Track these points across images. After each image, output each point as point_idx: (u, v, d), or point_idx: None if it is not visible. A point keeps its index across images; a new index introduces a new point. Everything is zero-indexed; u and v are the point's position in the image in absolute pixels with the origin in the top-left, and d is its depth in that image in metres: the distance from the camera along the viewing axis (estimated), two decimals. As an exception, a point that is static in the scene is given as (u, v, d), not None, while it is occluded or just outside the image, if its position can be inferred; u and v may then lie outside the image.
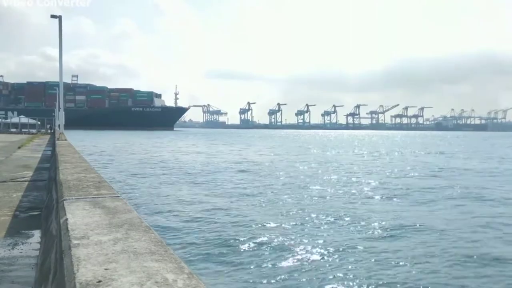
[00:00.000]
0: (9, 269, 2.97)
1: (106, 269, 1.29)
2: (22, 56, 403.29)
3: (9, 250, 3.39)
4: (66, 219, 2.03)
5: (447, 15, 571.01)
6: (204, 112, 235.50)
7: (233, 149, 38.63)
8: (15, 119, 63.91)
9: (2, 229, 4.04)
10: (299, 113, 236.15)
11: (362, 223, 9.16)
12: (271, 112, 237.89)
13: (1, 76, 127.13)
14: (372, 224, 9.02)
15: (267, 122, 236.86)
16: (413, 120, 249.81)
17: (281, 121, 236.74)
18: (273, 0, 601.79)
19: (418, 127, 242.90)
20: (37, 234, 3.88)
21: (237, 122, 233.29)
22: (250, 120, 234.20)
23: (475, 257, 6.94)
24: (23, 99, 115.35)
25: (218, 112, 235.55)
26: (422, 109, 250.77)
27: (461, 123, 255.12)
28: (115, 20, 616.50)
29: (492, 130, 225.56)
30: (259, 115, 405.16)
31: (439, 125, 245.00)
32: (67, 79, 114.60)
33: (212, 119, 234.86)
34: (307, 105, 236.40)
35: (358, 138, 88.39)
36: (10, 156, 13.17)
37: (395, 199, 12.40)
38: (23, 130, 55.58)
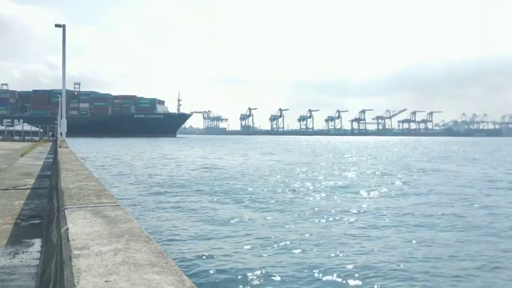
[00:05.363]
0: (10, 278, 2.95)
1: (106, 281, 1.27)
2: (26, 65, 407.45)
3: (10, 259, 3.38)
4: (67, 229, 2.01)
5: (456, 17, 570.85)
6: (204, 118, 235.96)
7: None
8: (18, 127, 64.42)
9: (4, 238, 4.03)
10: (302, 118, 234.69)
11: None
12: (273, 118, 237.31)
13: (6, 84, 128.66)
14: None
15: (269, 128, 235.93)
16: (422, 125, 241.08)
17: (283, 127, 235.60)
18: (274, 4, 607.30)
19: (427, 132, 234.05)
20: (37, 243, 3.86)
21: (238, 128, 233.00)
22: (251, 126, 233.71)
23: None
24: (28, 107, 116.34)
25: (219, 118, 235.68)
26: (431, 113, 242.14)
27: (473, 128, 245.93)
28: (117, 28, 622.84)
29: (507, 135, 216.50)
30: (260, 121, 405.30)
31: (450, 130, 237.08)
32: (70, 87, 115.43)
33: (213, 126, 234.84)
34: (310, 111, 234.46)
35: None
36: (13, 164, 13.21)
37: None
38: (26, 137, 55.95)
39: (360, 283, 6.06)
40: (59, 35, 19.64)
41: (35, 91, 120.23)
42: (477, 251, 7.72)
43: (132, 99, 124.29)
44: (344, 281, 6.12)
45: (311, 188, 16.33)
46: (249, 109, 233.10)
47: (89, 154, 36.41)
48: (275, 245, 7.81)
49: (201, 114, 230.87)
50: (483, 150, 57.97)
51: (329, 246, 7.86)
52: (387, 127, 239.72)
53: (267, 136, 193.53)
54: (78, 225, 2.07)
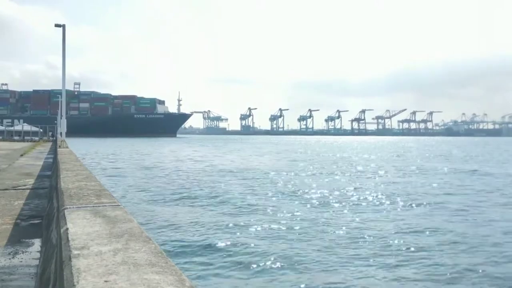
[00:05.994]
0: (9, 278, 2.95)
1: (106, 281, 1.27)
2: (26, 65, 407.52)
3: (9, 259, 3.38)
4: (67, 229, 2.01)
5: (456, 17, 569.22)
6: (204, 118, 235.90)
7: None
8: (18, 127, 64.46)
9: (4, 238, 4.03)
10: (302, 118, 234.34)
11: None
12: (273, 118, 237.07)
13: (6, 84, 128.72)
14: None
15: (269, 128, 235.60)
16: (422, 125, 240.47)
17: (283, 127, 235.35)
18: (274, 5, 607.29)
19: (427, 132, 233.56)
20: (37, 243, 3.86)
21: (238, 128, 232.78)
22: (251, 126, 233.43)
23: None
24: (29, 107, 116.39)
25: (219, 118, 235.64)
26: (431, 113, 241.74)
27: (473, 128, 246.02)
28: (117, 28, 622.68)
29: (507, 135, 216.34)
30: (260, 121, 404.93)
31: (450, 130, 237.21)
32: (70, 87, 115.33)
33: (213, 126, 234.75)
34: (310, 110, 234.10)
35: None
36: (13, 164, 13.21)
37: None
38: (25, 137, 55.99)
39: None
40: (59, 35, 19.66)
41: (35, 91, 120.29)
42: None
43: (132, 99, 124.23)
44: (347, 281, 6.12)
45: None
46: (249, 109, 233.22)
47: (89, 154, 36.40)
48: (275, 245, 7.81)
49: (201, 114, 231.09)
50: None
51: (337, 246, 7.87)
52: (387, 127, 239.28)
53: (267, 136, 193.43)
54: (78, 225, 2.07)
